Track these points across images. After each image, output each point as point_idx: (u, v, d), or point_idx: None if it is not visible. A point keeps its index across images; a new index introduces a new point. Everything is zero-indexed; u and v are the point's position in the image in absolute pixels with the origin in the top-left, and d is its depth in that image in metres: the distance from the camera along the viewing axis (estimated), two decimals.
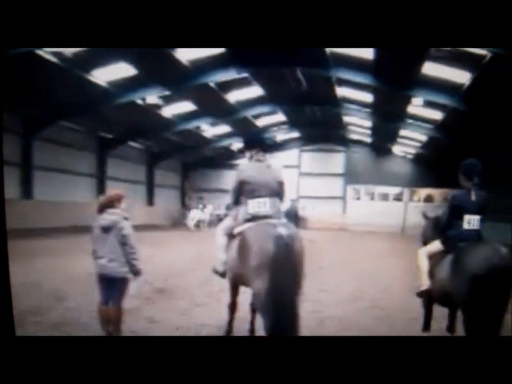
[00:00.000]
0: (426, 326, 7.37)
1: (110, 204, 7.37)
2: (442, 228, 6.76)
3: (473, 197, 6.45)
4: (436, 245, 6.83)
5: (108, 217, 7.24)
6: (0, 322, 4.87)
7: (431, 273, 6.78)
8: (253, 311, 7.40)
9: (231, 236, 6.86)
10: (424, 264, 6.90)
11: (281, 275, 5.71)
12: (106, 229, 7.17)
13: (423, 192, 46.00)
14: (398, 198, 47.70)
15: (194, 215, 38.44)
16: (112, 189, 8.15)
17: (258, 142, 7.16)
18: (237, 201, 6.91)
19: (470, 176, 6.54)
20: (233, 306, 7.51)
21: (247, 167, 6.90)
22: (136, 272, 7.29)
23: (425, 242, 7.45)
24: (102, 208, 7.34)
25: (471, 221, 6.43)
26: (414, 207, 42.92)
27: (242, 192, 6.72)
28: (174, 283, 12.55)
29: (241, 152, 9.03)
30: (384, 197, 48.21)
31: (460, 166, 6.71)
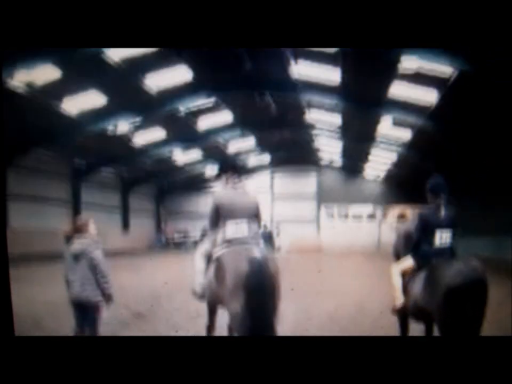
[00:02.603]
0: None
1: (77, 231, 7.43)
2: (414, 245, 6.76)
3: (442, 213, 6.51)
4: (409, 262, 6.84)
5: (78, 245, 7.29)
6: (0, 322, 4.91)
7: (405, 290, 6.79)
8: (230, 332, 7.36)
9: (209, 259, 6.86)
10: (397, 281, 6.91)
11: (256, 296, 5.76)
12: (76, 257, 7.23)
13: (396, 210, 46.05)
14: (372, 216, 47.94)
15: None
16: (79, 217, 8.15)
17: (232, 167, 7.22)
18: (214, 226, 6.87)
19: (436, 193, 6.62)
20: (210, 328, 7.50)
21: (223, 191, 6.95)
22: (108, 298, 7.36)
23: (397, 257, 7.47)
24: (69, 237, 7.43)
25: (442, 237, 6.46)
26: (387, 225, 42.90)
27: (219, 216, 6.72)
28: (152, 307, 12.47)
29: (217, 177, 9.19)
30: (358, 216, 48.39)
31: (426, 184, 6.81)
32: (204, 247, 7.24)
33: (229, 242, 6.52)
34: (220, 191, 7.05)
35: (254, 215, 6.83)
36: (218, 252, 6.55)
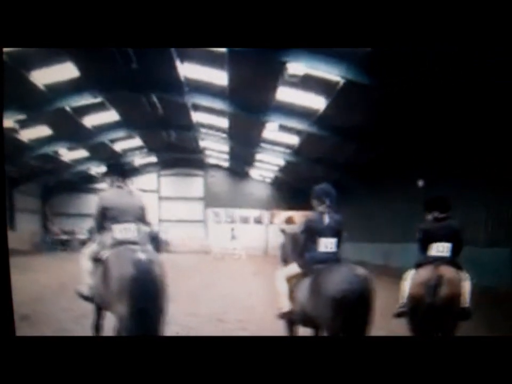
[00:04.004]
0: None
1: None
2: (299, 251, 6.81)
3: (326, 220, 6.55)
4: (294, 268, 6.85)
5: None
6: (0, 323, 4.98)
7: (291, 296, 6.80)
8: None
9: (96, 260, 6.74)
10: (282, 287, 6.92)
11: (142, 300, 5.78)
12: None
13: (284, 214, 46.81)
14: (259, 220, 48.45)
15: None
16: None
17: (117, 169, 7.22)
18: (100, 227, 6.85)
19: (322, 199, 6.68)
20: (97, 330, 7.38)
21: (108, 193, 6.94)
22: None
23: (285, 259, 7.47)
24: None
25: (326, 244, 6.50)
26: (275, 229, 43.42)
27: (105, 218, 6.70)
28: (38, 309, 12.01)
29: (103, 178, 9.05)
30: (245, 219, 48.77)
31: (312, 190, 6.85)
32: (91, 248, 7.08)
33: (116, 244, 6.47)
34: (106, 192, 7.00)
35: (140, 217, 6.85)
36: (104, 254, 6.47)
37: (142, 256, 6.02)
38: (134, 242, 6.50)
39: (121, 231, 6.58)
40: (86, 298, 7.08)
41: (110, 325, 7.33)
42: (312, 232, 6.58)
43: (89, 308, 7.35)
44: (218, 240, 45.18)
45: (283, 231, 7.97)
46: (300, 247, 6.83)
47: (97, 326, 7.37)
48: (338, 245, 6.64)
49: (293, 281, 6.85)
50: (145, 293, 5.81)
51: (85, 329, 9.00)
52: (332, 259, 6.47)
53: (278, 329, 7.89)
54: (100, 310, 7.19)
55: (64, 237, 44.22)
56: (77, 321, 10.48)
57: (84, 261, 7.07)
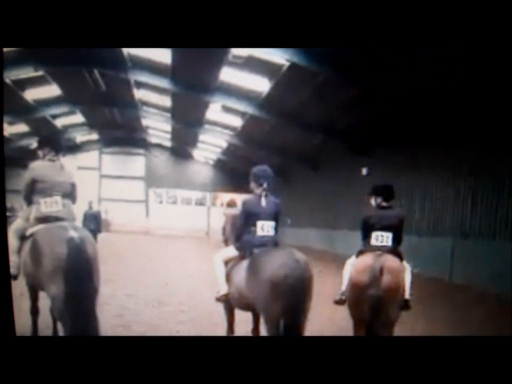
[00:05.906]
0: (230, 329, 7.32)
1: None
2: (237, 233, 6.77)
3: (263, 203, 6.49)
4: (231, 250, 6.81)
5: None
6: (0, 322, 4.88)
7: (229, 278, 6.75)
8: (53, 316, 7.05)
9: (23, 237, 6.56)
10: (220, 270, 6.86)
11: (75, 279, 5.64)
12: None
13: (226, 196, 46.82)
14: (201, 202, 48.32)
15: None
16: None
17: (50, 142, 6.97)
18: (28, 200, 6.69)
19: (259, 182, 6.59)
20: (34, 311, 7.17)
21: (38, 165, 6.71)
22: None
23: (226, 241, 7.47)
24: None
25: (264, 227, 6.45)
26: (217, 211, 43.45)
27: (33, 191, 6.53)
28: None
29: (34, 151, 8.88)
30: (187, 201, 48.56)
31: (250, 172, 6.77)
32: (17, 224, 6.87)
33: (42, 218, 6.33)
34: (36, 164, 6.76)
35: (69, 192, 6.70)
36: (32, 229, 6.32)
37: (74, 234, 5.87)
38: (59, 217, 6.36)
39: (47, 204, 6.41)
40: (12, 277, 6.71)
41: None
42: (249, 215, 6.50)
43: (25, 287, 7.11)
44: (159, 220, 44.98)
45: (224, 213, 7.93)
46: (237, 230, 6.78)
47: (34, 309, 7.18)
48: (276, 228, 6.60)
49: (231, 264, 6.80)
50: (79, 273, 5.68)
51: (21, 308, 8.84)
52: (270, 243, 6.43)
53: (218, 313, 7.88)
54: (33, 289, 6.99)
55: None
56: (14, 300, 10.27)
57: (10, 238, 6.66)
